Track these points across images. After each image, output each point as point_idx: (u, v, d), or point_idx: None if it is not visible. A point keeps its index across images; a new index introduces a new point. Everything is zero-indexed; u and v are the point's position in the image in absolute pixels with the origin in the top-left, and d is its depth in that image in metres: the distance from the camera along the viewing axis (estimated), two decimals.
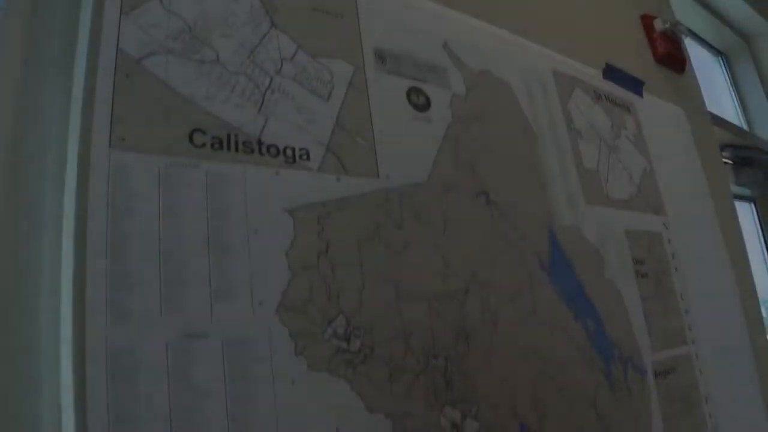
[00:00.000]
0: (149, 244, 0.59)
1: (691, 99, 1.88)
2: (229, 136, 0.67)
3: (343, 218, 0.73)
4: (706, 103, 2.03)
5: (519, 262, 0.91)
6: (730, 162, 2.48)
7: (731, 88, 3.06)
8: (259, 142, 0.70)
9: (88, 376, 0.53)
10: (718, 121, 2.27)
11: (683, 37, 1.90)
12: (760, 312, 1.81)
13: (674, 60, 1.82)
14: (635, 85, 1.46)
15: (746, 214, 2.74)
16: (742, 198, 2.69)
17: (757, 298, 1.83)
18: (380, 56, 0.87)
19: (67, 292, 0.55)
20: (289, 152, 0.72)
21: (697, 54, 2.70)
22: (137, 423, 0.54)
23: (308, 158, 0.73)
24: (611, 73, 1.38)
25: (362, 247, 0.74)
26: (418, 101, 0.88)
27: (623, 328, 1.07)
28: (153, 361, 0.57)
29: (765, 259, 2.79)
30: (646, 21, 1.80)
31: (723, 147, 2.33)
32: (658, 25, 1.78)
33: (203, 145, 0.65)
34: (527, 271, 0.92)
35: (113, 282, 0.56)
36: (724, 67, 3.10)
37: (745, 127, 2.87)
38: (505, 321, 0.86)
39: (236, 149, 0.68)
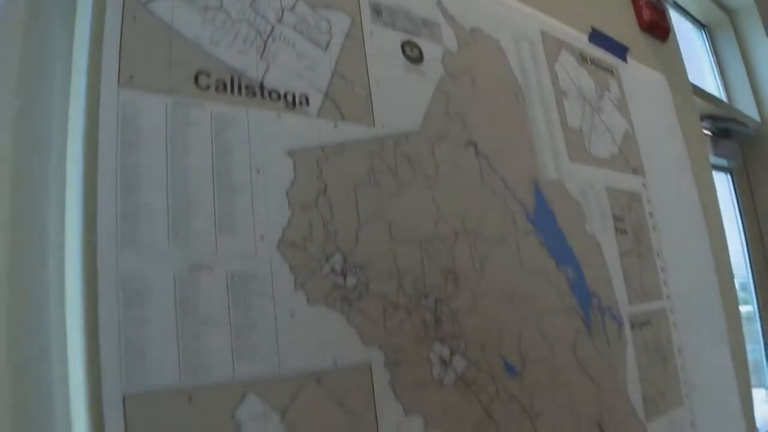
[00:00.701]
0: (157, 178, 0.62)
1: (673, 67, 1.92)
2: (232, 80, 0.70)
3: (340, 162, 0.77)
4: (688, 75, 2.07)
5: (505, 211, 0.95)
6: (709, 133, 2.53)
7: (713, 61, 3.10)
8: (261, 87, 0.72)
9: (99, 299, 0.56)
10: (699, 92, 2.31)
11: (668, 6, 1.94)
12: (732, 276, 1.88)
13: (658, 28, 1.86)
14: (619, 50, 1.49)
15: (723, 185, 2.80)
16: (719, 168, 2.75)
17: (729, 264, 1.90)
18: (376, 9, 0.89)
19: (77, 222, 0.57)
20: (289, 97, 0.74)
21: (680, 26, 2.73)
22: (146, 346, 0.57)
23: (308, 104, 0.76)
24: (597, 37, 1.42)
25: (358, 191, 0.77)
26: (412, 54, 0.91)
27: (602, 280, 1.11)
28: (161, 290, 0.60)
29: (739, 229, 2.86)
30: None
31: (703, 118, 2.37)
32: None
33: (208, 87, 0.68)
34: (513, 220, 0.96)
35: (123, 214, 0.59)
36: (706, 40, 3.14)
37: (725, 99, 2.92)
38: (492, 266, 0.90)
39: (239, 92, 0.70)
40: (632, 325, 1.16)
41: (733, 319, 1.70)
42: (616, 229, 1.20)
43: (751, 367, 2.73)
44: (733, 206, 2.86)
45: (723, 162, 2.71)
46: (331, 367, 0.69)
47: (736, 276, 2.24)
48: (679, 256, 1.41)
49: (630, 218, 1.25)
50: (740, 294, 2.78)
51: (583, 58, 1.32)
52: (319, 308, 0.70)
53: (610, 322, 1.10)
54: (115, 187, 0.59)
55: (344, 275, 0.73)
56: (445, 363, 0.80)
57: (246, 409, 0.62)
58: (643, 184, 1.34)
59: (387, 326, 0.75)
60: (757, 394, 2.66)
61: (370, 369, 0.73)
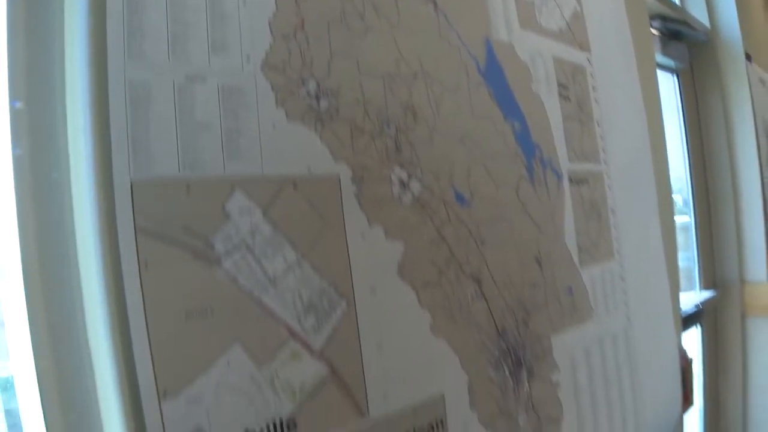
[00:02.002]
0: (159, 3, 0.71)
1: None
2: None
3: (315, 2, 0.87)
4: None
5: (459, 62, 1.07)
6: (659, 33, 2.66)
7: None
8: None
9: (110, 102, 0.66)
10: None
11: None
12: (666, 160, 2.04)
13: None
14: None
15: (669, 84, 2.95)
16: (667, 69, 2.89)
17: (665, 150, 2.06)
18: None
19: (85, 35, 0.66)
20: None
21: None
22: (150, 141, 0.68)
23: None
24: None
25: (331, 27, 0.87)
26: None
27: (545, 136, 1.25)
28: (162, 96, 0.70)
29: (681, 130, 3.02)
30: None
31: (654, 17, 2.49)
32: None
33: None
34: (466, 70, 1.08)
35: (129, 30, 0.68)
36: None
37: (677, 2, 3.03)
38: (446, 108, 1.02)
39: None
40: (571, 180, 1.30)
41: (664, 194, 1.87)
42: (560, 95, 1.32)
43: (684, 273, 2.95)
44: (677, 107, 3.01)
45: (671, 63, 2.84)
46: (306, 175, 0.81)
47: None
48: (618, 132, 1.55)
49: (574, 88, 1.38)
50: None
51: None
52: (296, 125, 0.81)
53: (550, 174, 1.24)
54: (122, 7, 0.68)
55: (318, 99, 0.84)
56: (403, 184, 0.93)
57: (234, 202, 0.74)
58: (588, 59, 1.47)
59: (354, 147, 0.87)
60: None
61: (339, 181, 0.85)
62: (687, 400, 2.00)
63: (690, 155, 3.06)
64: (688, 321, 2.65)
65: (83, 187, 0.65)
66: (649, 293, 1.61)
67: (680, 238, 3.03)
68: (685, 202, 3.10)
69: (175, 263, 0.68)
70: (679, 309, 2.11)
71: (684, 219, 3.08)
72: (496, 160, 1.10)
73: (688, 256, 3.09)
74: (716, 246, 3.16)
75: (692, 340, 2.96)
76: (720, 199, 3.16)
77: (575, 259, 1.29)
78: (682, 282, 2.96)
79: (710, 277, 3.13)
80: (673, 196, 2.90)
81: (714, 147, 3.14)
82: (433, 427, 0.94)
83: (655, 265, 1.68)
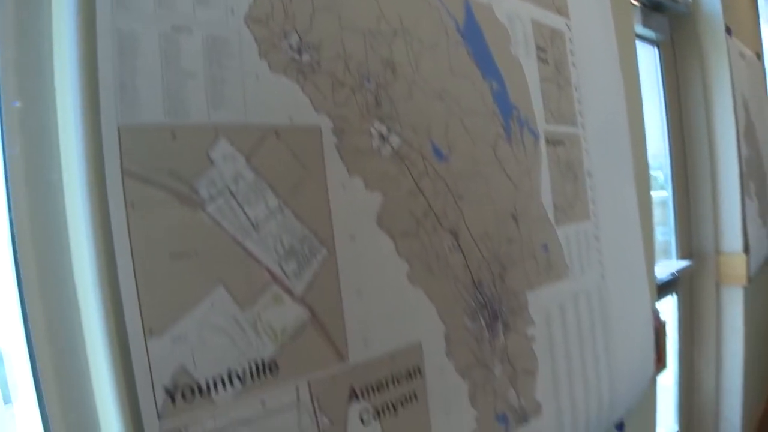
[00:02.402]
0: None
1: None
2: None
3: None
4: None
5: (439, 21, 1.09)
6: (640, 4, 2.68)
7: None
8: None
9: (98, 50, 0.68)
10: None
11: None
12: (643, 127, 2.08)
13: None
14: None
15: (650, 56, 2.98)
16: (648, 40, 2.92)
17: (642, 117, 2.09)
18: None
19: None
20: None
21: None
22: (137, 89, 0.70)
23: None
24: None
25: None
26: None
27: (523, 97, 1.28)
28: (149, 45, 0.72)
29: (660, 102, 3.05)
30: None
31: None
32: None
33: None
34: (445, 29, 1.10)
35: None
36: None
37: None
38: (425, 65, 1.05)
39: None
40: (548, 141, 1.34)
41: (643, 188, 1.91)
42: (539, 57, 1.35)
43: (662, 246, 3.00)
44: (658, 79, 3.04)
45: (652, 35, 2.87)
46: (288, 124, 0.84)
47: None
48: (595, 97, 1.58)
49: (552, 51, 1.41)
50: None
51: None
52: (279, 77, 0.83)
53: (527, 134, 1.27)
54: None
55: (300, 52, 0.86)
56: (383, 137, 0.96)
57: (218, 149, 0.77)
58: (567, 25, 1.49)
59: (335, 100, 0.90)
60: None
61: (320, 132, 0.88)
62: (660, 361, 2.06)
63: (669, 127, 3.10)
64: (664, 289, 2.71)
65: (72, 131, 0.67)
66: (624, 255, 1.65)
67: (659, 213, 3.09)
68: (666, 177, 3.14)
69: (160, 206, 0.71)
70: (654, 273, 2.16)
71: (663, 194, 3.13)
72: (473, 118, 1.13)
73: (666, 231, 3.14)
74: (693, 218, 3.21)
75: (668, 308, 3.03)
76: (698, 172, 3.21)
77: (551, 217, 1.33)
78: (661, 255, 3.02)
79: (687, 248, 3.18)
80: (654, 172, 2.95)
81: (693, 119, 3.18)
82: (410, 374, 0.98)
83: (630, 228, 1.72)
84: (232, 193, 0.78)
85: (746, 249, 3.15)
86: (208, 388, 0.74)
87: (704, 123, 3.15)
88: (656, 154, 3.05)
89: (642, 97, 2.13)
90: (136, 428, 0.68)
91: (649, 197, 2.14)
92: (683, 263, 3.01)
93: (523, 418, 1.22)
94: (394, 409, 0.95)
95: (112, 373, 0.67)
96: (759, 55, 4.20)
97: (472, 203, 1.10)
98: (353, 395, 0.90)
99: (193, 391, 0.72)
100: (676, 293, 3.05)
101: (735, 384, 3.27)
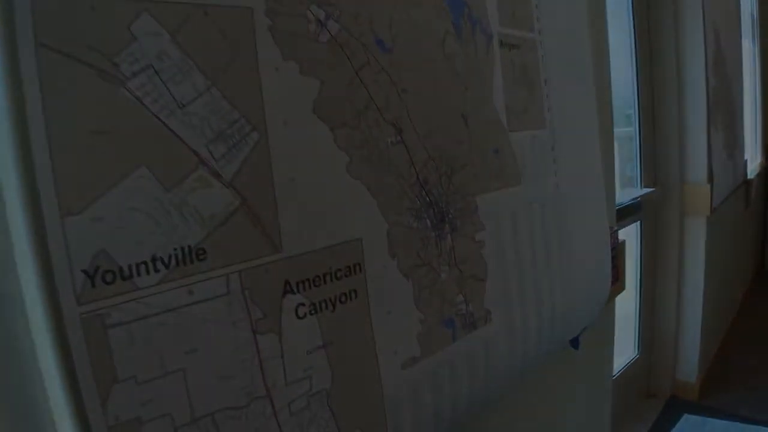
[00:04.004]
0: None
1: None
2: None
3: None
4: None
5: None
6: None
7: None
8: None
9: None
10: None
11: None
12: (607, 47, 2.04)
13: None
14: None
15: None
16: None
17: (606, 36, 2.06)
18: None
19: None
20: None
21: None
22: None
23: None
24: None
25: None
26: None
27: None
28: None
29: (630, 29, 3.02)
30: None
31: None
32: None
33: None
34: None
35: None
36: None
37: None
38: None
39: None
40: (501, 43, 1.29)
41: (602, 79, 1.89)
42: None
43: (629, 182, 3.00)
44: (628, 5, 3.00)
45: None
46: (217, 3, 0.79)
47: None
48: (554, 5, 1.53)
49: None
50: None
51: None
52: None
53: (479, 34, 1.23)
54: None
55: None
56: (320, 22, 0.91)
57: (141, 24, 0.72)
58: None
59: None
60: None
61: (252, 12, 0.83)
62: (618, 281, 2.07)
63: (638, 57, 3.07)
64: (628, 214, 2.72)
65: None
66: (581, 169, 1.63)
67: (628, 149, 3.08)
68: (633, 112, 3.14)
69: (78, 81, 0.66)
70: (614, 192, 2.17)
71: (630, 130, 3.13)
72: (420, 10, 1.09)
73: (633, 166, 3.15)
74: (659, 147, 3.22)
75: (632, 235, 3.05)
76: (665, 102, 3.20)
77: (504, 121, 1.30)
78: (627, 186, 3.03)
79: (652, 178, 3.20)
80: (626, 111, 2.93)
81: (662, 48, 3.16)
82: (350, 270, 0.96)
83: (588, 143, 1.70)
84: (155, 71, 0.74)
85: (710, 180, 3.17)
86: (131, 272, 0.71)
87: (673, 50, 3.12)
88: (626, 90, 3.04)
89: (606, 10, 2.08)
90: (54, 314, 0.65)
91: (610, 117, 2.12)
92: (647, 190, 3.02)
93: (471, 324, 1.21)
94: (333, 305, 0.94)
95: (28, 256, 0.64)
96: None
97: (417, 99, 1.06)
98: (288, 288, 0.88)
99: (114, 275, 0.70)
100: (641, 221, 3.07)
101: (695, 313, 3.33)
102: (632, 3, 2.99)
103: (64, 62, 0.65)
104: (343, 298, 0.95)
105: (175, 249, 0.75)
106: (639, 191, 2.99)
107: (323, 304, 0.92)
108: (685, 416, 2.23)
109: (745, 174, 4.56)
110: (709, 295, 3.39)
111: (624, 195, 2.78)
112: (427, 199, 1.09)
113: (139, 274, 0.72)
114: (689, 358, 3.39)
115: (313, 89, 0.90)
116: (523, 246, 1.36)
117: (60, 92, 0.65)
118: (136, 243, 0.71)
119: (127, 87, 0.71)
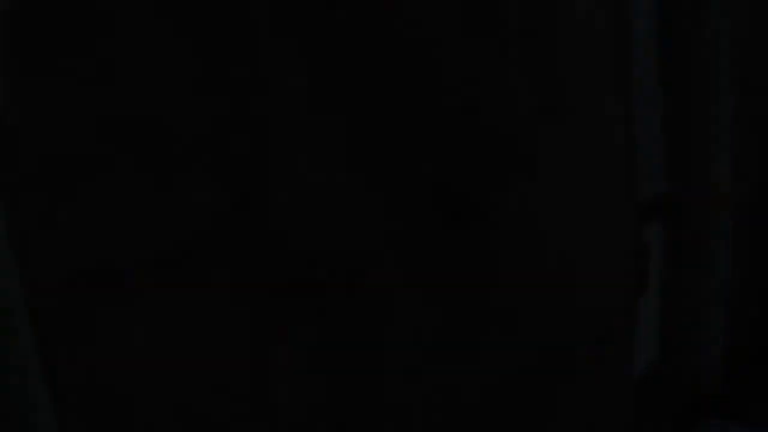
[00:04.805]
0: None
1: None
2: None
3: None
4: None
5: None
6: None
7: None
8: None
9: None
10: None
11: None
12: None
13: None
14: None
15: None
16: None
17: None
18: None
19: None
20: None
21: None
22: None
23: None
24: None
25: None
26: None
27: None
28: None
29: None
30: None
31: None
32: None
33: None
34: None
35: None
36: None
37: None
38: None
39: None
40: None
41: None
42: None
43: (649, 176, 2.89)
44: None
45: None
46: None
47: None
48: None
49: None
50: None
51: None
52: None
53: None
54: None
55: None
56: None
57: None
58: None
59: None
60: None
61: None
62: (642, 281, 1.98)
63: None
64: (651, 210, 2.64)
65: None
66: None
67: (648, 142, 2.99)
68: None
69: None
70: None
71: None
72: None
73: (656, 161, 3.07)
74: (682, 143, 3.13)
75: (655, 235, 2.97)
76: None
77: None
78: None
79: (676, 174, 3.10)
80: None
81: None
82: None
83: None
84: None
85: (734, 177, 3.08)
86: None
87: None
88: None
89: None
90: None
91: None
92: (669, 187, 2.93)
93: None
94: None
95: None
96: None
97: None
98: None
99: None
100: (664, 219, 2.99)
101: (718, 314, 3.25)
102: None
103: None
104: None
105: None
106: (661, 187, 2.89)
107: None
108: (709, 422, 2.15)
109: None
110: (734, 297, 3.28)
111: (647, 190, 2.69)
112: None
113: None
114: (712, 361, 3.29)
115: None
116: None
117: None
118: None
119: None
